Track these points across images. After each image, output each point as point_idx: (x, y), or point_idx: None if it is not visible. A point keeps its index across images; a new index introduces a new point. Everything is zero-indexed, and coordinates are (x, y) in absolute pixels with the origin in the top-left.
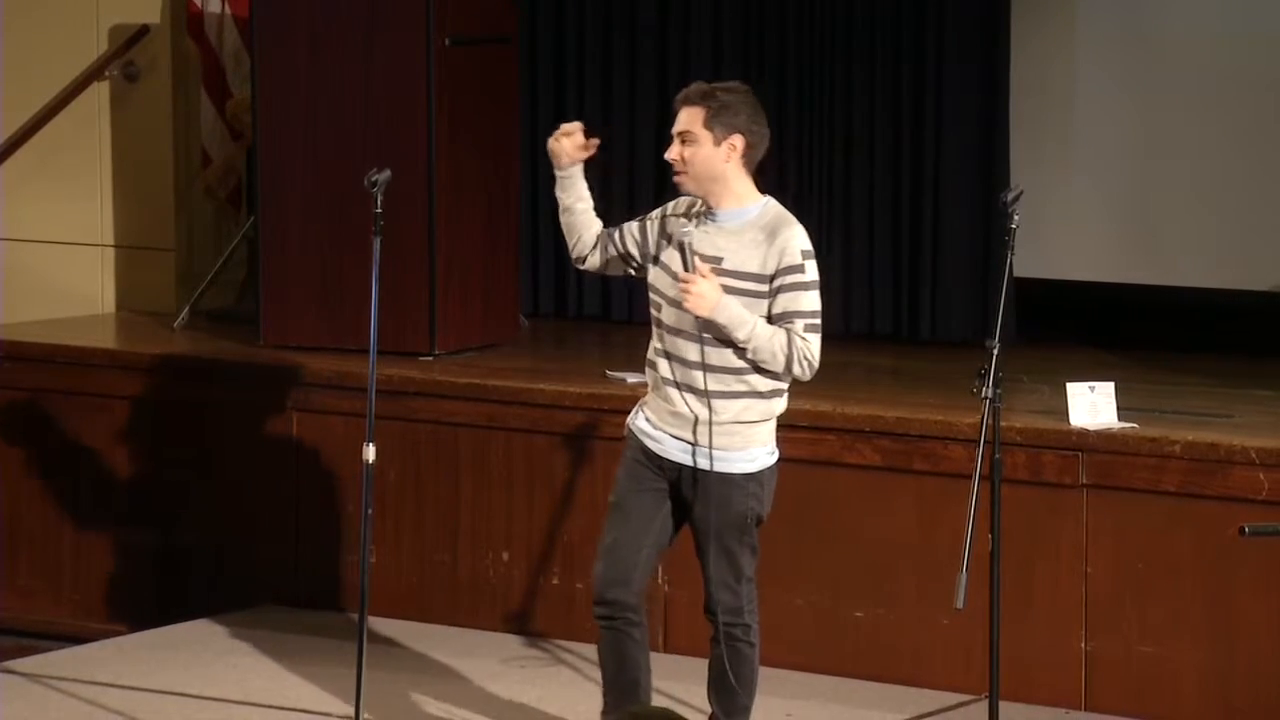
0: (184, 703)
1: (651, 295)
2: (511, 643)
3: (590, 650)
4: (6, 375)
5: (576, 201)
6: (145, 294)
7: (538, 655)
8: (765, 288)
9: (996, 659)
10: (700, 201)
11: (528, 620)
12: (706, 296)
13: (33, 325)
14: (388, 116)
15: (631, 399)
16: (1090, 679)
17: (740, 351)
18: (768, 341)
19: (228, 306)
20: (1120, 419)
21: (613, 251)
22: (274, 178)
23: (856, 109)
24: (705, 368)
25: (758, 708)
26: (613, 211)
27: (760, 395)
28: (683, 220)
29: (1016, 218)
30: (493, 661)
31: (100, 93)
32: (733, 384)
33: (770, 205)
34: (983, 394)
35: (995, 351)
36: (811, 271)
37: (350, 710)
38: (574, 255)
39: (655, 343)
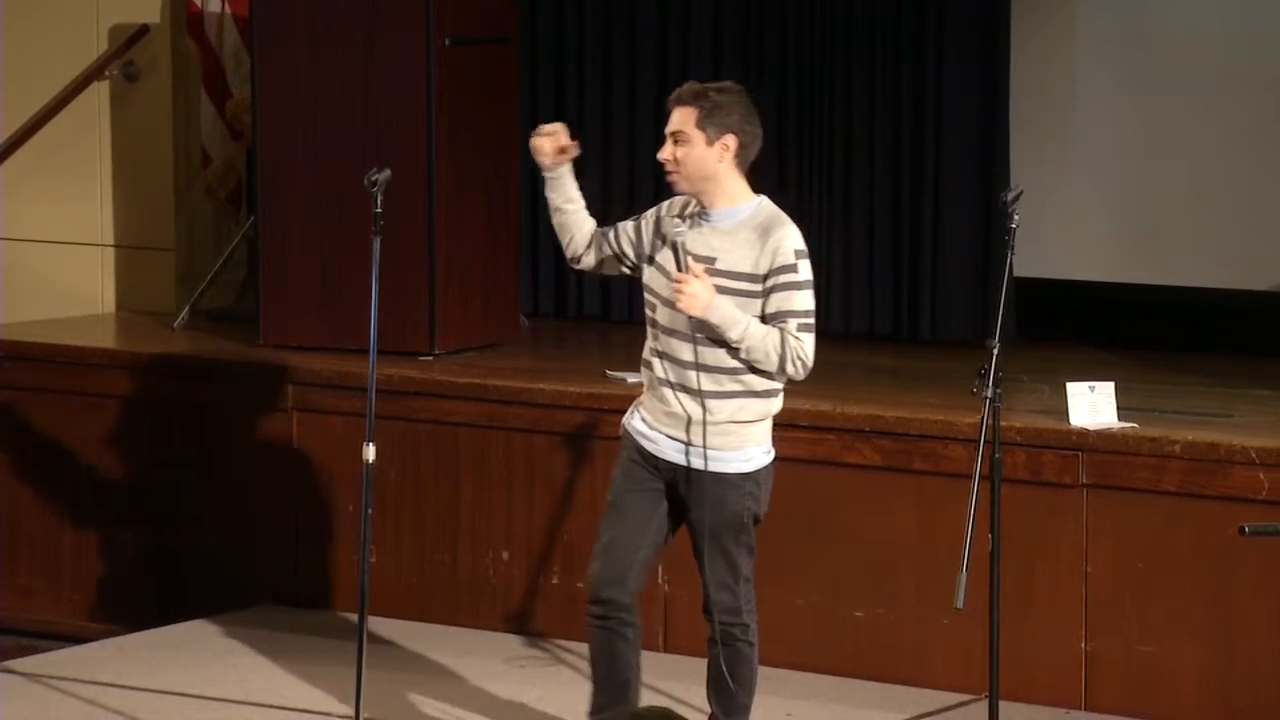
0: (184, 703)
1: (646, 295)
2: (511, 643)
3: None
4: (6, 375)
5: (565, 202)
6: (145, 294)
7: (538, 655)
8: (758, 287)
9: (996, 659)
10: (694, 201)
11: (528, 620)
12: (699, 296)
13: (33, 325)
14: (388, 116)
15: (631, 399)
16: (1090, 679)
17: (734, 351)
18: (761, 341)
19: (228, 306)
20: (1120, 419)
21: (608, 251)
22: (274, 178)
23: (856, 109)
24: (699, 368)
25: (758, 707)
26: (613, 211)
27: (756, 395)
28: (676, 220)
29: (1016, 218)
30: (493, 661)
31: (100, 92)
32: (727, 384)
33: (764, 205)
34: (983, 394)
35: (995, 351)
36: (805, 271)
37: (350, 710)
38: (568, 255)
39: (650, 342)
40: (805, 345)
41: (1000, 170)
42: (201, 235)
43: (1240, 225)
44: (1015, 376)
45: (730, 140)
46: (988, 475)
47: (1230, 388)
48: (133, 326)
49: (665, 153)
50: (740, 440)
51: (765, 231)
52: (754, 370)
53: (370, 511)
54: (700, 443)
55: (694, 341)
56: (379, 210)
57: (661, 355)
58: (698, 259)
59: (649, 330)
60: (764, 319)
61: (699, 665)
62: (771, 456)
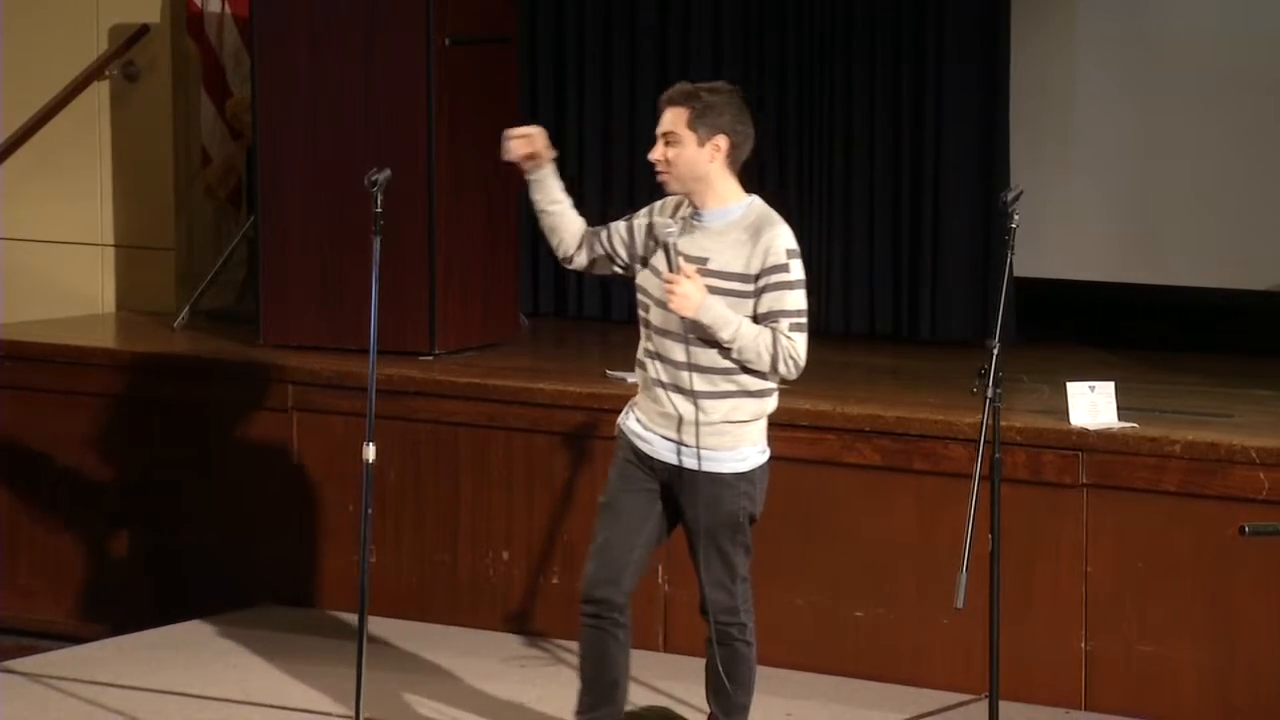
0: (184, 703)
1: (639, 296)
2: (511, 642)
3: None
4: (6, 375)
5: (550, 204)
6: (145, 294)
7: (538, 655)
8: (750, 287)
9: (996, 659)
10: (685, 202)
11: (528, 620)
12: (691, 297)
13: (33, 325)
14: (388, 116)
15: (630, 398)
16: (1090, 679)
17: (725, 352)
18: (753, 341)
19: (228, 306)
20: (1120, 418)
21: (600, 251)
22: (274, 178)
23: (856, 109)
24: (692, 368)
25: (758, 707)
26: (613, 212)
27: (750, 394)
28: (667, 221)
29: (1016, 218)
30: (493, 661)
31: (100, 92)
32: (721, 384)
33: (755, 204)
34: (983, 394)
35: (995, 351)
36: (797, 270)
37: (350, 710)
38: (558, 256)
39: (644, 343)
40: (797, 345)
41: (1000, 170)
42: (201, 235)
43: (1240, 225)
44: (1015, 376)
45: (722, 141)
46: (988, 475)
47: (1230, 388)
48: (133, 326)
49: (656, 153)
50: (735, 440)
51: (757, 231)
52: (747, 370)
53: (370, 511)
54: (695, 443)
55: (685, 342)
56: (379, 210)
57: (655, 356)
58: (689, 259)
59: (642, 331)
60: (756, 319)
61: (699, 665)
62: (767, 456)
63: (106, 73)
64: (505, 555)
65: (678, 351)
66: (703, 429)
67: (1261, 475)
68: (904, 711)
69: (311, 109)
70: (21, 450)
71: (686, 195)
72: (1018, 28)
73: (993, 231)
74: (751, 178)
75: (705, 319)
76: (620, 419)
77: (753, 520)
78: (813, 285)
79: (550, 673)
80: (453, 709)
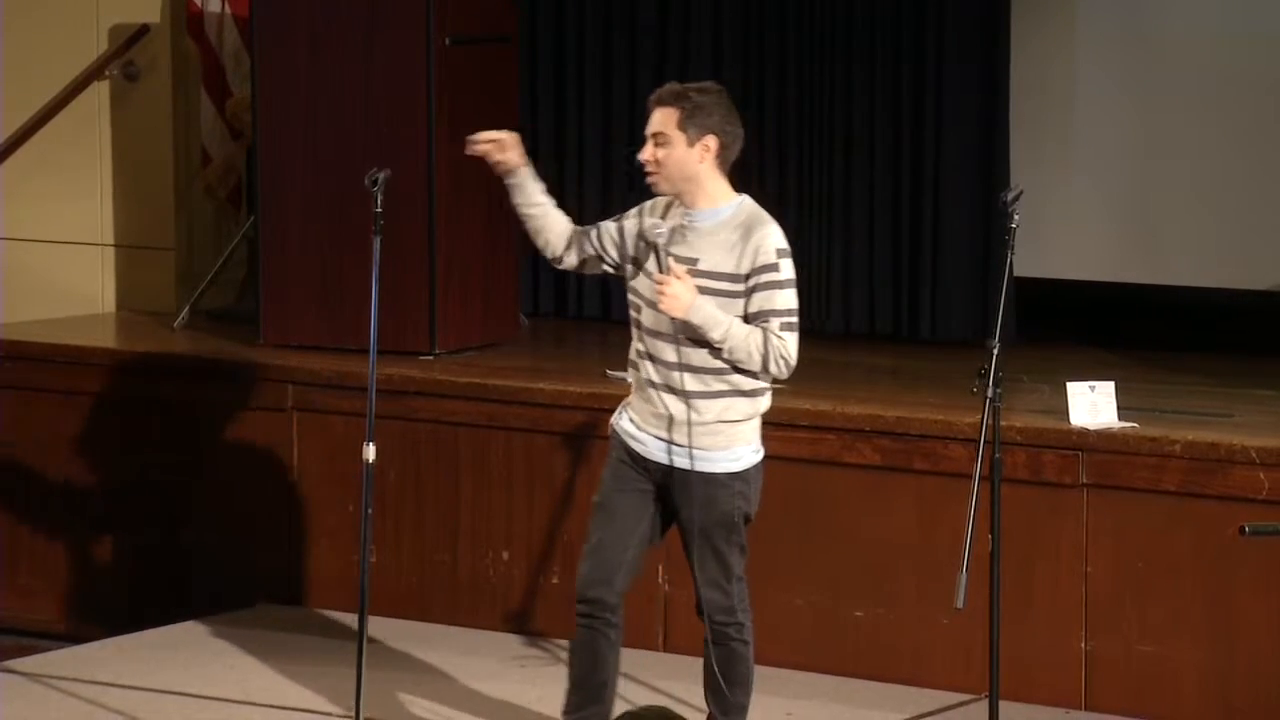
0: (184, 703)
1: (630, 297)
2: (511, 642)
3: None
4: (6, 375)
5: (530, 207)
6: (145, 293)
7: (538, 655)
8: (741, 287)
9: (996, 659)
10: (675, 202)
11: (528, 620)
12: (681, 298)
13: (33, 325)
14: (388, 116)
15: None
16: (1090, 679)
17: (716, 351)
18: (743, 341)
19: (228, 306)
20: (1120, 418)
21: (590, 251)
22: (274, 177)
23: (856, 109)
24: (684, 368)
25: (758, 707)
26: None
27: (743, 394)
28: (657, 222)
29: (1016, 218)
30: (493, 661)
31: (100, 92)
32: (713, 384)
33: (744, 204)
34: (983, 394)
35: (995, 351)
36: (787, 270)
37: (350, 710)
38: (546, 256)
39: (636, 344)
40: (788, 344)
41: (1000, 170)
42: (201, 235)
43: (1240, 225)
44: (1015, 376)
45: (711, 141)
46: (988, 475)
47: (1230, 388)
48: (133, 326)
49: (646, 154)
50: (729, 440)
51: (747, 231)
52: (740, 370)
53: (370, 511)
54: (688, 443)
55: (676, 342)
56: (379, 210)
57: (647, 357)
58: (679, 260)
59: (634, 332)
60: (747, 318)
61: (699, 665)
62: (761, 455)
63: (106, 73)
64: (505, 555)
65: (669, 352)
66: (696, 429)
67: (1261, 475)
68: (904, 711)
69: (311, 109)
70: (22, 450)
71: (676, 196)
72: (1018, 28)
73: (993, 231)
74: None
75: (695, 319)
76: (613, 419)
77: (748, 520)
78: (813, 285)
79: (550, 673)
80: (453, 709)
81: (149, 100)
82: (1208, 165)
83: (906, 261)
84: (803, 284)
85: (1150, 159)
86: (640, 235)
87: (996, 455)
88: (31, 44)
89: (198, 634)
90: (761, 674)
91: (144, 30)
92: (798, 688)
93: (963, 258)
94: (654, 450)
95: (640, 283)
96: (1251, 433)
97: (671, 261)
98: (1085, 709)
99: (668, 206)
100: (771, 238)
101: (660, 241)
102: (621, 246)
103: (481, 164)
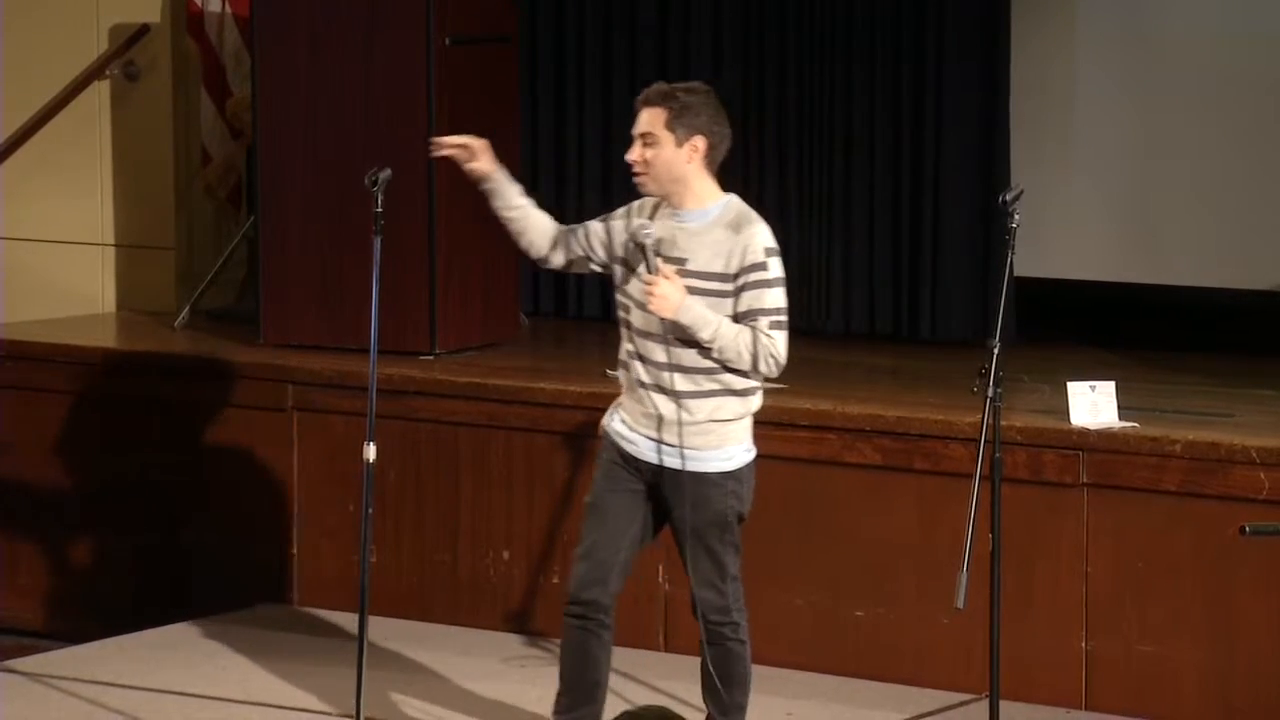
0: (184, 702)
1: (619, 298)
2: (512, 642)
3: None
4: (6, 375)
5: (509, 209)
6: (145, 293)
7: (538, 655)
8: (729, 287)
9: (997, 658)
10: (663, 203)
11: (528, 619)
12: (670, 298)
13: (33, 324)
14: (388, 116)
15: None
16: (1090, 678)
17: (705, 351)
18: (733, 340)
19: (228, 306)
20: (1121, 418)
21: (577, 251)
22: (274, 177)
23: (856, 109)
24: (674, 368)
25: (758, 707)
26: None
27: (734, 393)
28: (645, 222)
29: (1017, 218)
30: (493, 661)
31: (100, 92)
32: (704, 383)
33: (732, 203)
34: (983, 393)
35: (996, 351)
36: (775, 269)
37: (350, 710)
38: (531, 257)
39: (626, 344)
40: (777, 343)
41: (1000, 170)
42: (202, 235)
43: (1240, 225)
44: (1016, 376)
45: (700, 141)
46: (988, 475)
47: (1230, 388)
48: (133, 326)
49: (634, 154)
50: (720, 439)
51: (735, 230)
52: (730, 369)
53: (370, 511)
54: (680, 443)
55: (667, 343)
56: (379, 210)
57: (637, 357)
58: (668, 260)
59: (623, 333)
60: (736, 317)
61: (699, 665)
62: (753, 454)
63: (107, 72)
64: (505, 555)
65: (659, 353)
66: (687, 429)
67: (1262, 475)
68: (904, 711)
69: (311, 109)
70: (22, 450)
71: (663, 197)
72: (1018, 28)
73: (993, 231)
74: (752, 178)
75: (685, 319)
76: (604, 420)
77: (741, 519)
78: (813, 285)
79: (550, 673)
80: (453, 709)
81: (149, 100)
82: (1208, 165)
83: (906, 261)
84: (803, 284)
85: (1150, 159)
86: (627, 235)
87: (997, 455)
88: (31, 44)
89: (198, 634)
90: (761, 674)
91: (144, 30)
92: (798, 688)
93: (963, 258)
94: (645, 450)
95: (629, 284)
96: (1252, 433)
97: (660, 262)
98: (1085, 709)
99: (655, 207)
100: (759, 237)
101: (648, 243)
102: (609, 246)
103: None
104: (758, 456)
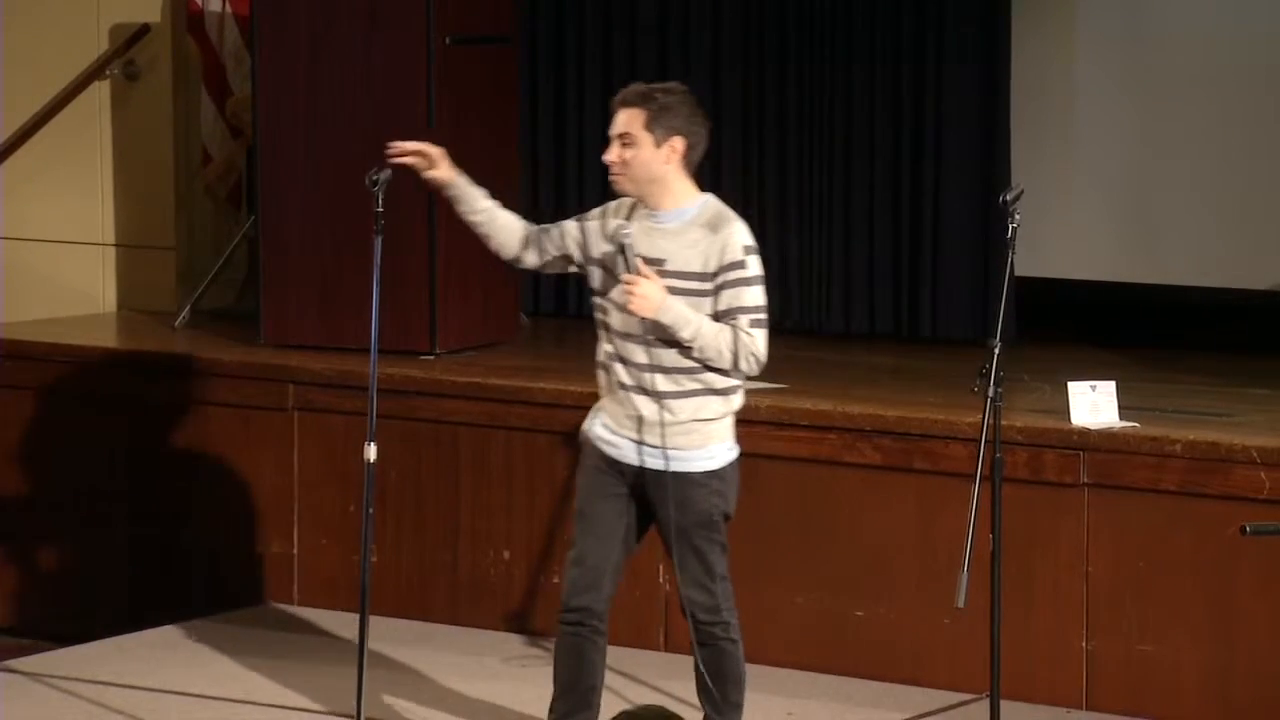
0: (184, 702)
1: (596, 300)
2: (512, 642)
3: None
4: (6, 374)
5: (473, 213)
6: (146, 293)
7: (538, 654)
8: (709, 286)
9: (997, 658)
10: (639, 203)
11: (528, 619)
12: (650, 298)
13: (33, 324)
14: (388, 117)
15: None
16: (1091, 678)
17: (686, 351)
18: (713, 339)
19: (228, 305)
20: (1121, 418)
21: (551, 251)
22: (274, 177)
23: (856, 109)
24: (655, 369)
25: (758, 706)
26: None
27: (716, 392)
28: (623, 223)
29: (1017, 218)
30: (493, 661)
31: (101, 92)
32: (686, 383)
33: (709, 203)
34: (984, 393)
35: (996, 350)
36: (754, 267)
37: (350, 710)
38: (503, 258)
39: (605, 346)
40: (757, 341)
41: (1000, 170)
42: (202, 234)
43: (1240, 225)
44: (1016, 376)
45: (678, 142)
46: (988, 475)
47: (1230, 387)
48: (133, 326)
49: (612, 155)
50: (703, 439)
51: (712, 229)
52: (712, 368)
53: (371, 511)
54: (663, 444)
55: (647, 344)
56: (379, 210)
57: (617, 359)
58: (647, 261)
59: (601, 335)
60: (716, 316)
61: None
62: (736, 453)
63: (107, 72)
64: (506, 555)
65: (639, 354)
66: (670, 429)
67: (1262, 475)
68: (904, 711)
69: (311, 109)
70: (21, 450)
71: (640, 198)
72: (1018, 28)
73: (993, 231)
74: (751, 178)
75: (665, 319)
76: (585, 425)
77: (727, 518)
78: (813, 285)
79: (550, 673)
80: (453, 709)
81: (149, 100)
82: (1208, 165)
83: (907, 261)
84: (803, 284)
85: (1150, 159)
86: (603, 237)
87: (997, 455)
88: (31, 44)
89: (198, 634)
90: (761, 673)
91: (144, 30)
92: (797, 687)
93: (963, 258)
94: (628, 453)
95: (607, 285)
96: (1252, 432)
97: (639, 262)
98: (1085, 709)
99: (632, 208)
100: (738, 235)
101: (628, 243)
102: (584, 246)
103: (482, 164)
104: (742, 454)
